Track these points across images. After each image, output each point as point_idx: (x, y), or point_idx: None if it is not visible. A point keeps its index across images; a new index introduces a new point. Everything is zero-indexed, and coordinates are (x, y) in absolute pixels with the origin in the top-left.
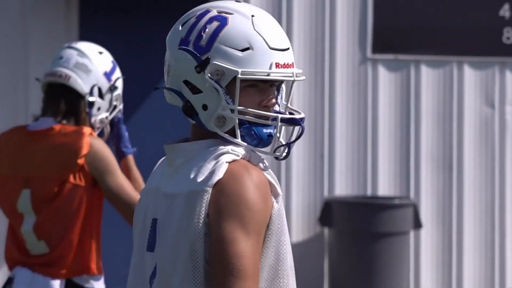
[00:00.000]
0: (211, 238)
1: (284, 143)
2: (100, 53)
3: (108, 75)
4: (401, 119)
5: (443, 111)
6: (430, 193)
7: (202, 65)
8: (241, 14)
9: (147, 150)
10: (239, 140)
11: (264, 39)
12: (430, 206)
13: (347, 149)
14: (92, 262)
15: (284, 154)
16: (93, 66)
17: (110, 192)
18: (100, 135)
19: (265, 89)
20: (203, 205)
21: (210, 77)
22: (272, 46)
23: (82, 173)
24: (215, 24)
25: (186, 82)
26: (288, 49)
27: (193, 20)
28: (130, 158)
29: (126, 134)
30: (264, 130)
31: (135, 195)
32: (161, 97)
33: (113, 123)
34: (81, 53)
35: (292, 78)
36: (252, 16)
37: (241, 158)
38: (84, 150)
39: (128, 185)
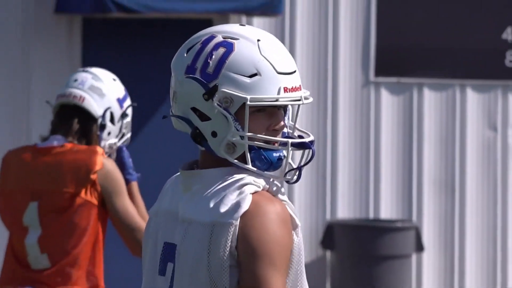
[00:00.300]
0: (242, 274)
1: (294, 166)
2: (114, 79)
3: (120, 102)
4: (404, 142)
5: (446, 134)
6: (432, 216)
7: (210, 93)
8: (246, 39)
9: (149, 171)
10: (250, 166)
11: (271, 64)
12: (432, 229)
13: (350, 171)
14: (100, 281)
15: (295, 177)
16: (107, 90)
17: (115, 214)
18: None
19: (273, 113)
20: (229, 237)
21: (218, 105)
22: (279, 70)
23: (93, 189)
24: (221, 50)
25: (194, 109)
26: (295, 71)
27: (198, 46)
28: (134, 185)
29: (130, 160)
30: (274, 154)
31: (140, 221)
32: (164, 121)
33: (116, 150)
34: (96, 76)
35: (300, 102)
36: (258, 40)
37: (263, 189)
38: (97, 167)
39: (133, 210)
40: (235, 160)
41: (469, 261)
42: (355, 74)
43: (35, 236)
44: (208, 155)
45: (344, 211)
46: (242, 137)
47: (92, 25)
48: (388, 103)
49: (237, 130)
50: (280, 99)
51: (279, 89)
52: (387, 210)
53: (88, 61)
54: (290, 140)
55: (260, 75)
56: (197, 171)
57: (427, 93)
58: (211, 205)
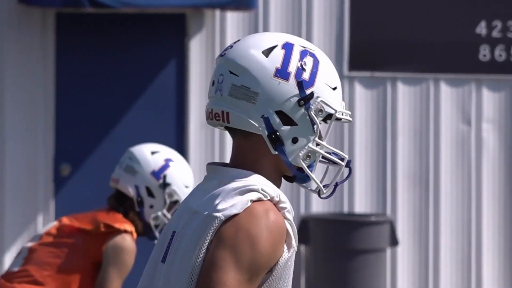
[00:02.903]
0: (203, 263)
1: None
2: (153, 153)
3: (156, 174)
4: (378, 136)
5: (420, 128)
6: (407, 210)
7: (306, 99)
8: (318, 51)
9: None
10: (314, 176)
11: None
12: (406, 223)
13: (323, 166)
14: None
15: (329, 193)
16: (140, 167)
17: (99, 280)
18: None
19: (329, 126)
20: (211, 230)
21: (313, 112)
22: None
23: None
24: (310, 59)
25: (278, 112)
26: None
27: (281, 50)
28: None
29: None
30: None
31: None
32: (139, 116)
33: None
34: (131, 155)
35: (351, 120)
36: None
37: (268, 199)
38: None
39: None
40: (307, 168)
41: (444, 255)
42: None
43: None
44: (239, 151)
45: (319, 205)
46: (316, 147)
47: (66, 21)
48: (362, 97)
49: (320, 140)
50: (346, 114)
51: (343, 105)
52: (362, 204)
53: (62, 57)
54: (347, 158)
55: (338, 88)
56: (219, 167)
57: (401, 87)
58: (216, 201)
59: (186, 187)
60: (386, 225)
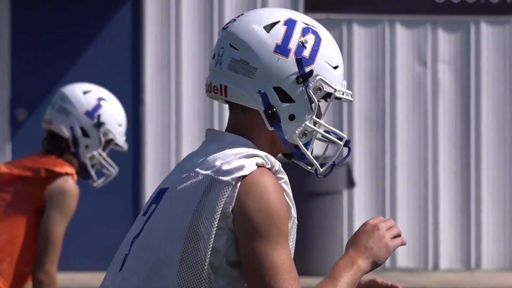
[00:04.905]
0: (242, 249)
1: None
2: (85, 92)
3: (90, 113)
4: None
5: (376, 70)
6: (363, 152)
7: (305, 77)
8: (322, 29)
9: None
10: (309, 154)
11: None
12: (363, 165)
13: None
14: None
15: (327, 172)
16: (73, 107)
17: (43, 224)
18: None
19: (329, 105)
20: (224, 196)
21: (311, 90)
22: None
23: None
24: (312, 36)
25: (276, 88)
26: None
27: (282, 27)
28: None
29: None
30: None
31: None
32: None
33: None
34: (63, 96)
35: (352, 100)
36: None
37: (270, 167)
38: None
39: (58, 239)
40: (302, 145)
41: (400, 196)
42: None
43: None
44: (236, 124)
45: None
46: (315, 125)
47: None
48: None
49: (318, 118)
50: (347, 94)
51: (344, 84)
52: (318, 147)
53: (17, 2)
54: (345, 137)
55: (339, 67)
56: (219, 131)
57: (357, 29)
58: (217, 162)
59: (120, 125)
60: (342, 167)
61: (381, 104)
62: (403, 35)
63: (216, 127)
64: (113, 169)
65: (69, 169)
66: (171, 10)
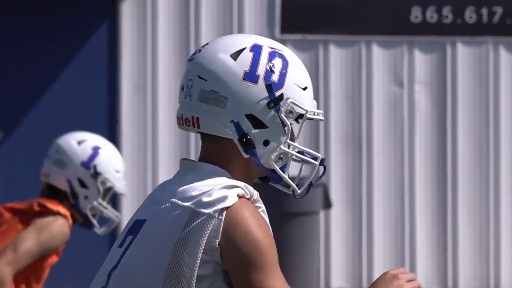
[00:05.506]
0: (236, 282)
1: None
2: (79, 142)
3: (86, 164)
4: None
5: (352, 91)
6: (340, 173)
7: (276, 101)
8: (287, 52)
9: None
10: (287, 177)
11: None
12: (340, 186)
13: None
14: None
15: (304, 193)
16: (68, 159)
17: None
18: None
19: (302, 126)
20: (208, 229)
21: (283, 114)
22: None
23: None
24: (279, 60)
25: (248, 116)
26: None
27: (249, 53)
28: None
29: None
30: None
31: (10, 259)
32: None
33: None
34: (59, 148)
35: (323, 119)
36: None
37: (249, 197)
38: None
39: (24, 248)
40: (280, 172)
41: (377, 217)
42: (260, 31)
43: None
44: (210, 154)
45: None
46: (288, 148)
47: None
48: None
49: (292, 141)
50: (318, 113)
51: (314, 104)
52: (293, 168)
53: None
54: (320, 157)
55: (308, 88)
56: (194, 161)
57: (333, 50)
58: (195, 193)
59: (117, 172)
60: (319, 188)
61: (358, 124)
62: (379, 56)
63: (193, 148)
64: (115, 217)
65: (62, 209)
66: (147, 31)
